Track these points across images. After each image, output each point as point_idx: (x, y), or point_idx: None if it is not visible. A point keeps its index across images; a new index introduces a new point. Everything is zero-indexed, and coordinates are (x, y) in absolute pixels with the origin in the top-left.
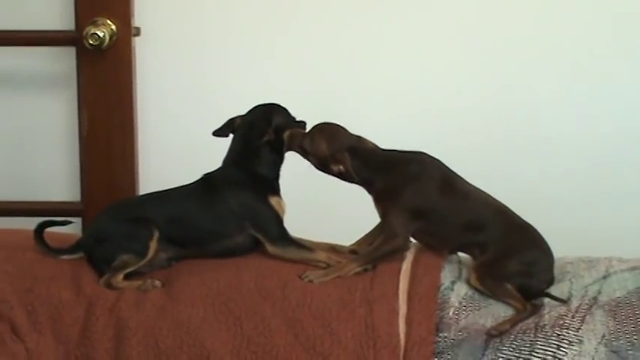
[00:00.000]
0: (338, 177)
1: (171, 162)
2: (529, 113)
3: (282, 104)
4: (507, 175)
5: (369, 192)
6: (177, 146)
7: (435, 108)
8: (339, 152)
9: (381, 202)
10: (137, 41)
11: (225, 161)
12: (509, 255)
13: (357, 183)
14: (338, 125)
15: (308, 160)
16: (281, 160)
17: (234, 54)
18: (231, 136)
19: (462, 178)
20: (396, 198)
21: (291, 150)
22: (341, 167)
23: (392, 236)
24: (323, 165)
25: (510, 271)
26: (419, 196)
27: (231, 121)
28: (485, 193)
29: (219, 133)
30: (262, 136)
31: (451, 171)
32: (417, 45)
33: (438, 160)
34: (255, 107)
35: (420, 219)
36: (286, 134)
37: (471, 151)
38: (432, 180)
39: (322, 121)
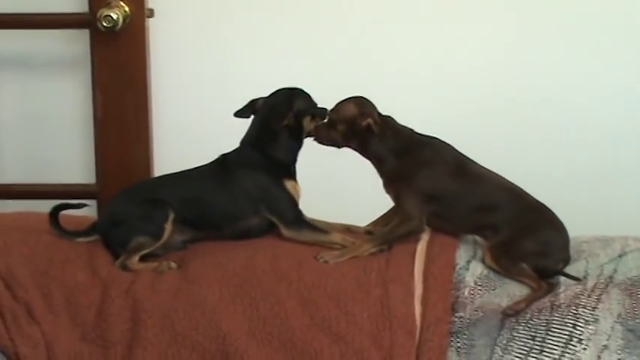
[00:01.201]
0: (360, 150)
1: (186, 143)
2: (546, 98)
3: (304, 88)
4: (523, 153)
5: (379, 171)
6: (191, 127)
7: (448, 97)
8: (368, 107)
9: (393, 184)
10: (150, 23)
11: (243, 143)
12: (524, 235)
13: (370, 157)
14: (361, 96)
15: (332, 141)
16: (299, 145)
17: (248, 35)
18: (251, 117)
19: (474, 162)
20: (409, 181)
21: (321, 142)
22: (369, 120)
23: (407, 219)
24: (350, 125)
25: (525, 251)
26: (432, 181)
27: (253, 102)
28: (498, 175)
29: (241, 114)
30: (282, 120)
31: (463, 155)
32: (428, 36)
33: (450, 146)
34: (278, 90)
35: (432, 203)
36: (309, 124)
37: (488, 135)
38: (445, 165)
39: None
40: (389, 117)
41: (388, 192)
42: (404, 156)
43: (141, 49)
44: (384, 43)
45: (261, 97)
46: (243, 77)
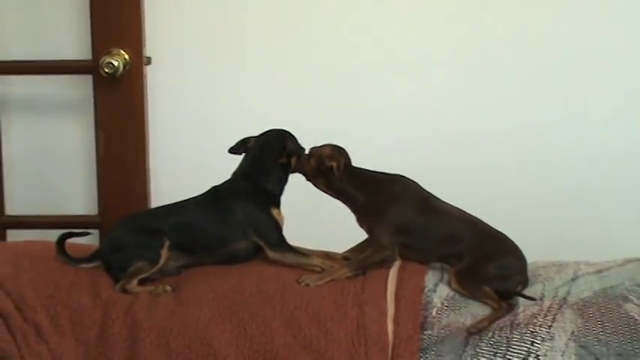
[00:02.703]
0: (325, 188)
1: (180, 178)
2: (508, 133)
3: (289, 130)
4: (488, 187)
5: (351, 207)
6: (185, 164)
7: (420, 130)
8: (340, 155)
9: (366, 218)
10: (148, 69)
11: (235, 175)
12: (486, 261)
13: (338, 196)
14: (335, 145)
15: (305, 172)
16: (286, 179)
17: (239, 80)
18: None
19: (437, 198)
20: (381, 216)
21: (297, 171)
22: (334, 164)
23: (381, 249)
24: (319, 162)
25: (488, 275)
26: (401, 215)
27: (245, 140)
28: (459, 209)
29: (234, 150)
30: (278, 158)
31: (427, 192)
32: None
33: (415, 182)
34: (269, 131)
35: (402, 235)
36: (295, 162)
37: (456, 169)
38: (412, 200)
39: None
40: (357, 167)
41: (362, 226)
42: (373, 193)
43: (139, 92)
44: (374, 89)
45: (251, 137)
46: (232, 118)
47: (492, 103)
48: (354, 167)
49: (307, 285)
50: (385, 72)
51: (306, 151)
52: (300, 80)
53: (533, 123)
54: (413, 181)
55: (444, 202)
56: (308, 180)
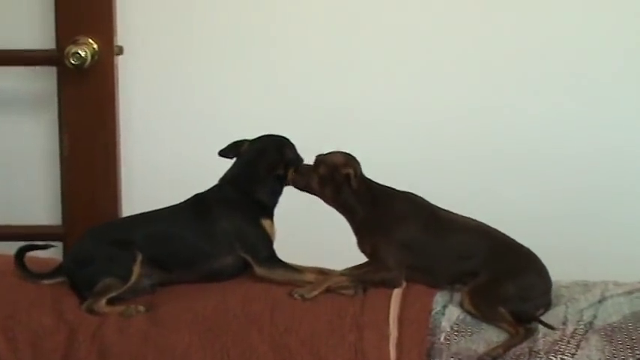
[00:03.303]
0: (331, 199)
1: (156, 184)
2: (518, 131)
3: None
4: (504, 194)
5: (351, 222)
6: (162, 168)
7: (424, 129)
8: (354, 162)
9: (368, 235)
10: (120, 60)
11: (222, 181)
12: (504, 278)
13: (342, 209)
14: (346, 152)
15: (307, 184)
16: (281, 190)
17: (219, 72)
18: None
19: (447, 211)
20: (385, 232)
21: (294, 184)
22: (350, 171)
23: (384, 268)
24: (331, 171)
25: (505, 295)
26: (406, 233)
27: (238, 144)
28: (473, 220)
29: (225, 153)
30: (274, 168)
31: (436, 207)
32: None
33: (423, 199)
34: (266, 136)
35: (408, 255)
36: (291, 173)
37: (465, 169)
38: (419, 218)
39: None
40: (368, 178)
41: (364, 248)
42: (377, 208)
43: (110, 86)
44: (359, 88)
45: (245, 140)
46: (214, 116)
47: (510, 102)
48: (364, 178)
49: (302, 296)
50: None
51: (305, 162)
52: (293, 75)
53: (555, 123)
54: (421, 197)
55: (454, 213)
56: (305, 190)
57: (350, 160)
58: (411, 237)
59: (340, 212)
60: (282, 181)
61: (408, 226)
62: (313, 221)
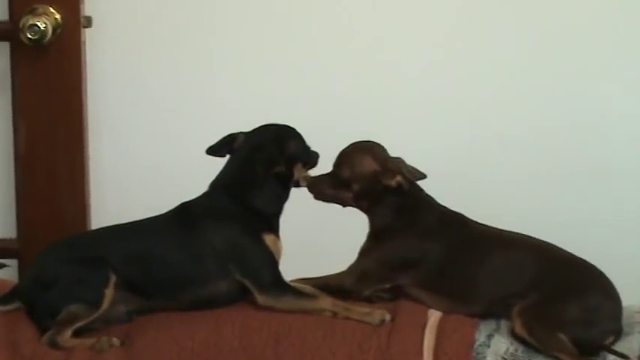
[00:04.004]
0: (365, 209)
1: (132, 189)
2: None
3: (295, 127)
4: (556, 198)
5: (370, 224)
6: (140, 168)
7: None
8: (391, 161)
9: (371, 241)
10: (88, 34)
11: (214, 187)
12: (564, 298)
13: (372, 215)
14: (370, 141)
15: (337, 199)
16: (286, 195)
17: (206, 48)
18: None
19: (488, 227)
20: (384, 243)
21: (315, 196)
22: (399, 179)
23: (344, 275)
24: (370, 184)
25: (565, 318)
26: (420, 250)
27: (231, 138)
28: (519, 234)
29: (215, 151)
30: (272, 166)
31: (475, 223)
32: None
33: (461, 215)
34: (265, 127)
35: (423, 276)
36: (299, 171)
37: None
38: (448, 235)
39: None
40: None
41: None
42: (401, 216)
43: (75, 67)
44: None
45: (240, 133)
46: (203, 103)
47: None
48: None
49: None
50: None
51: (315, 155)
52: (292, 52)
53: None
54: (460, 214)
55: (496, 229)
56: (343, 206)
57: (386, 161)
58: (430, 255)
59: (370, 218)
60: (287, 183)
61: (426, 243)
62: (319, 222)
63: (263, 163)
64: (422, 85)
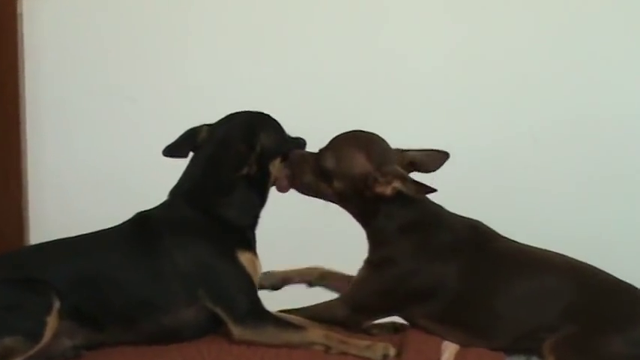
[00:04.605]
0: (354, 212)
1: (79, 196)
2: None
3: (270, 113)
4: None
5: (369, 239)
6: (88, 170)
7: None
8: (389, 161)
9: (369, 265)
10: (25, 5)
11: (175, 194)
12: (606, 330)
13: (367, 227)
14: (373, 134)
15: (317, 193)
16: (262, 200)
17: (176, 24)
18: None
19: (515, 244)
20: (383, 266)
21: (295, 187)
22: (398, 185)
23: (337, 305)
24: (358, 185)
25: (608, 354)
26: (432, 276)
27: (193, 132)
28: (551, 252)
29: (174, 150)
30: (240, 165)
31: (501, 240)
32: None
33: (485, 229)
34: (231, 117)
35: (435, 307)
36: (278, 169)
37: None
38: (466, 257)
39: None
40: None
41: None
42: (405, 234)
43: (11, 45)
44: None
45: (204, 125)
46: (163, 91)
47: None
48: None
49: None
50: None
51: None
52: (260, 28)
53: None
54: (483, 226)
55: (525, 246)
56: (304, 190)
57: (383, 161)
58: (444, 282)
59: (366, 230)
60: (263, 186)
61: (438, 267)
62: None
63: (230, 163)
64: (438, 78)
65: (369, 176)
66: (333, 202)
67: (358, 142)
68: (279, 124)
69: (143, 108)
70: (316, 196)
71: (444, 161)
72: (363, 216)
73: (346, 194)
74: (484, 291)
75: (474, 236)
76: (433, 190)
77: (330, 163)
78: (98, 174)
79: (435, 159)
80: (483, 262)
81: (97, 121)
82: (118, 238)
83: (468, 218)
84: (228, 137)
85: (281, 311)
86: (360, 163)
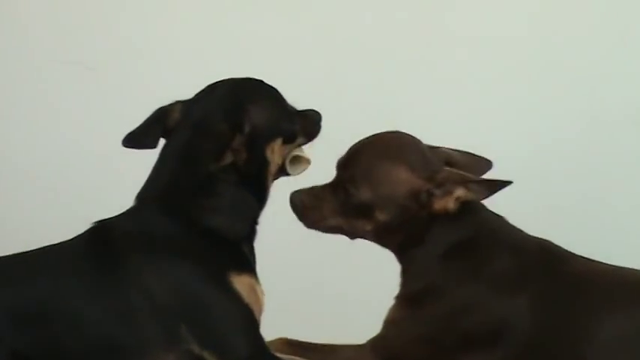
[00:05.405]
0: (394, 247)
1: (17, 198)
2: None
3: (261, 78)
4: None
5: (402, 264)
6: (32, 168)
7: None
8: (439, 169)
9: (405, 298)
10: None
11: (143, 199)
12: None
13: (404, 258)
14: (398, 133)
15: (350, 231)
16: (260, 199)
17: None
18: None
19: (596, 266)
20: (438, 301)
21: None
22: (460, 194)
23: (361, 349)
24: (410, 211)
25: None
26: (494, 311)
27: (163, 113)
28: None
29: (137, 139)
30: (219, 152)
31: (579, 263)
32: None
33: (558, 250)
34: (214, 86)
35: (511, 357)
36: (278, 153)
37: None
38: (535, 286)
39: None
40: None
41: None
42: (460, 256)
43: None
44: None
45: (177, 102)
46: (129, 48)
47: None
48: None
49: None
50: None
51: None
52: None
53: None
54: (555, 247)
55: (605, 266)
56: (329, 232)
57: (438, 173)
58: (508, 322)
59: (401, 262)
60: (259, 179)
61: (499, 302)
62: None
63: (211, 152)
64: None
65: (420, 192)
66: (368, 238)
67: (390, 152)
68: (277, 94)
69: (102, 78)
70: (339, 233)
71: (486, 171)
72: (406, 245)
73: (393, 224)
74: (567, 332)
75: (545, 259)
76: (508, 183)
77: (365, 193)
78: (41, 171)
79: (476, 165)
80: (562, 293)
81: (45, 93)
82: (70, 258)
83: (534, 236)
84: (205, 116)
85: (286, 347)
86: (403, 179)
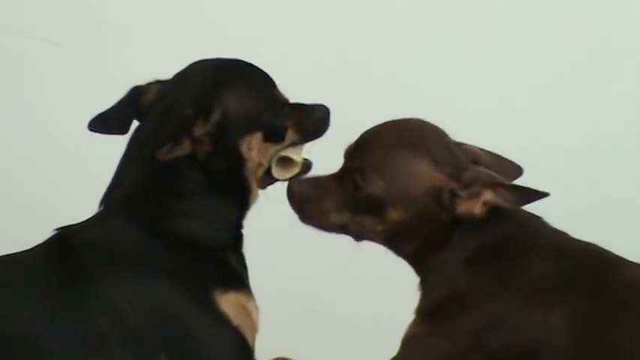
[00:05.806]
0: (409, 254)
1: None
2: None
3: (244, 59)
4: None
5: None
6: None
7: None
8: (466, 167)
9: (426, 310)
10: None
11: (108, 203)
12: None
13: (424, 267)
14: (420, 120)
15: (357, 231)
16: (241, 201)
17: None
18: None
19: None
20: (465, 315)
21: (303, 219)
22: (489, 198)
23: None
24: (429, 214)
25: None
26: (530, 327)
27: (136, 93)
28: None
29: (106, 123)
30: (174, 141)
31: (620, 262)
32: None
33: (604, 254)
34: (192, 66)
35: None
36: (258, 150)
37: None
38: (577, 297)
39: None
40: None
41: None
42: (489, 261)
43: None
44: None
45: (155, 81)
46: (101, 23)
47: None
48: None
49: None
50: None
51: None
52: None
53: None
54: (603, 252)
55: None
56: (331, 230)
57: (465, 171)
58: (547, 338)
59: (419, 273)
60: (236, 179)
61: (536, 315)
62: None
63: (166, 139)
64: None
65: (442, 191)
66: (378, 241)
67: (409, 140)
68: (265, 80)
69: (73, 56)
70: (343, 233)
71: (516, 178)
72: (423, 251)
73: (409, 226)
74: (614, 351)
75: (591, 266)
76: (544, 194)
77: (375, 185)
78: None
79: (505, 170)
80: (609, 305)
81: (8, 71)
82: (26, 273)
83: (580, 240)
84: (174, 99)
85: None
86: (423, 173)
